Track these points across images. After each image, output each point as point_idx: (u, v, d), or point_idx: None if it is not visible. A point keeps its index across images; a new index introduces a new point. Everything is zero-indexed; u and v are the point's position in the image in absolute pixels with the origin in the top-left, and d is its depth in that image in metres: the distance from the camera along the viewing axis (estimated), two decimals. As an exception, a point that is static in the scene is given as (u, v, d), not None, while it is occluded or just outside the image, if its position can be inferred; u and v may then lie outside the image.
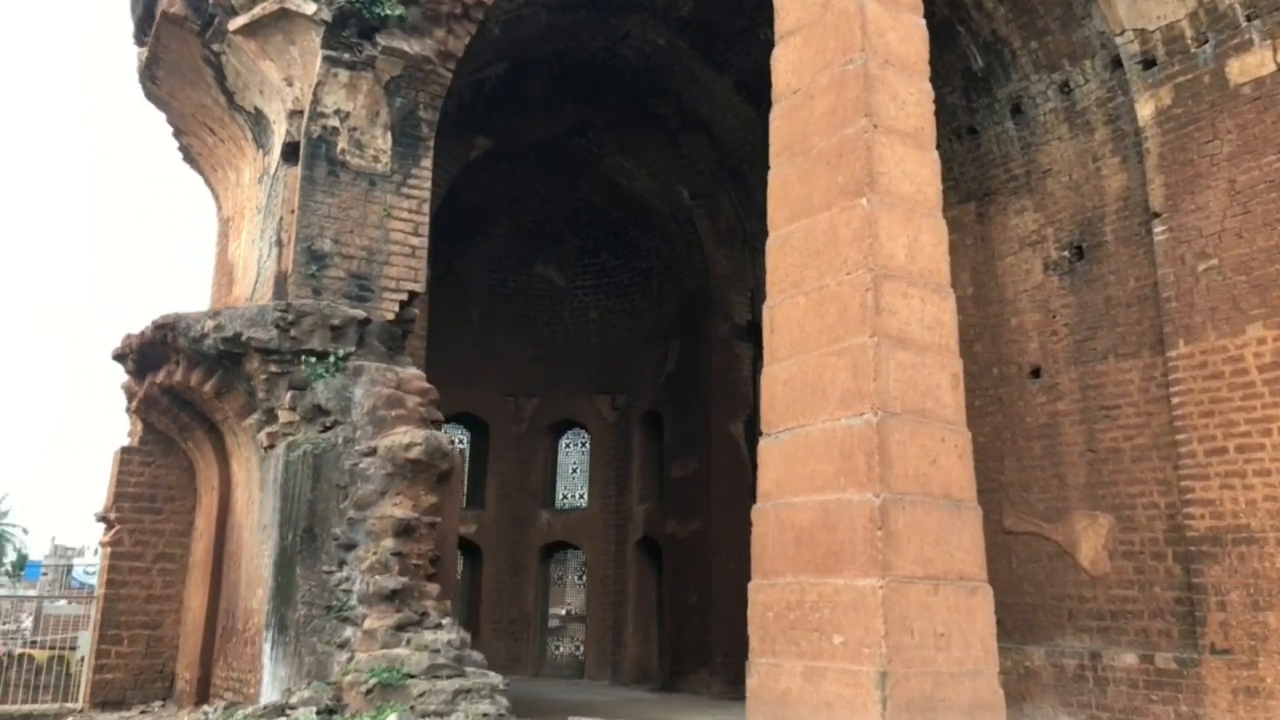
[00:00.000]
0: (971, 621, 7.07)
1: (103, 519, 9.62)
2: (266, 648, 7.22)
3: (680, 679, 13.52)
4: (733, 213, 14.03)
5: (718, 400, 13.62)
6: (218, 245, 11.05)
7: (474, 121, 12.53)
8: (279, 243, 8.63)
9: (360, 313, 8.20)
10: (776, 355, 8.35)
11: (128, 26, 10.11)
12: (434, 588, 7.14)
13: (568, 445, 16.43)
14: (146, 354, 8.81)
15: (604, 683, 14.83)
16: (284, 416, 7.95)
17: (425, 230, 9.06)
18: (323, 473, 7.43)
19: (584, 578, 16.03)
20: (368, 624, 6.66)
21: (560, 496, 16.27)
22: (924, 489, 7.15)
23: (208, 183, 11.35)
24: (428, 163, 9.18)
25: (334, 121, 8.66)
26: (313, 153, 8.59)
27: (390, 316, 8.68)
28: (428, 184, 9.15)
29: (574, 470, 16.33)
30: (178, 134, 10.75)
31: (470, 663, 6.65)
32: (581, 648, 15.80)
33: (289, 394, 7.91)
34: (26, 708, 9.32)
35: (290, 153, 8.79)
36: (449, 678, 6.24)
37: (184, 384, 8.56)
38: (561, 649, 16.09)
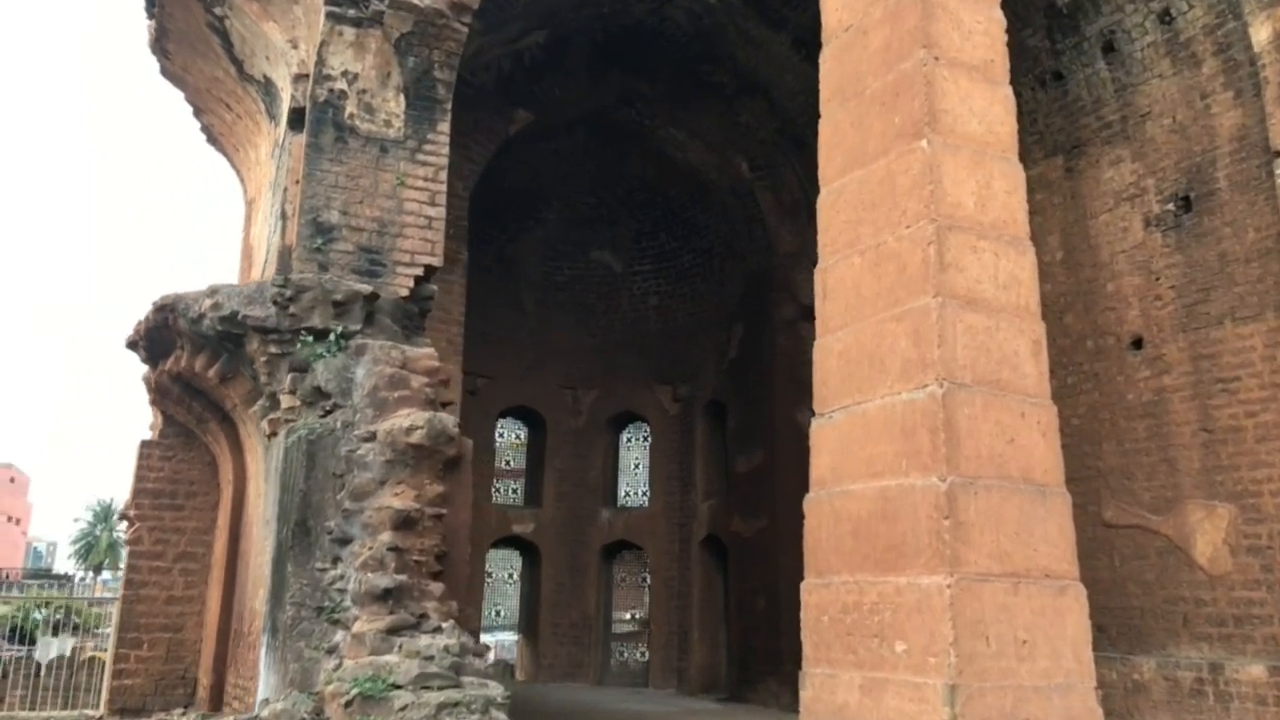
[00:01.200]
0: (1060, 626, 5.97)
1: (123, 516, 9.19)
2: (262, 652, 6.57)
3: (748, 688, 12.54)
4: (796, 184, 12.99)
5: (782, 387, 12.59)
6: (242, 231, 10.58)
7: (513, 94, 11.82)
8: (283, 216, 8.03)
9: (366, 287, 7.50)
10: (829, 324, 7.35)
11: (129, 25, 9.78)
12: (437, 587, 6.37)
13: (629, 439, 15.60)
14: (154, 340, 8.30)
15: (669, 691, 13.94)
16: (285, 401, 7.30)
17: (442, 200, 8.33)
18: (318, 460, 6.75)
19: (648, 580, 15.17)
20: (357, 627, 5.93)
21: (622, 494, 15.45)
22: (1000, 472, 6.07)
23: (232, 164, 10.91)
24: (445, 127, 8.45)
25: (341, 84, 8.01)
26: (319, 118, 7.94)
27: (404, 293, 7.96)
28: (445, 150, 8.42)
29: (635, 465, 15.49)
30: (197, 113, 10.31)
31: (471, 671, 5.86)
32: (647, 654, 14.93)
33: (289, 377, 7.26)
34: (44, 713, 8.93)
35: (296, 120, 8.19)
36: (440, 688, 5.45)
37: (189, 370, 8.03)
38: (626, 655, 15.25)
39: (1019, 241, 6.78)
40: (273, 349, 7.33)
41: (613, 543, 14.92)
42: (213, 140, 10.67)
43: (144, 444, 9.22)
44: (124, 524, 9.28)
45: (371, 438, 6.70)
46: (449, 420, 6.77)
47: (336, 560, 6.42)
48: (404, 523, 6.41)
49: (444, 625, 6.12)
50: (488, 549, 14.51)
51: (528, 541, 14.63)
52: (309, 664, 6.02)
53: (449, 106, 8.54)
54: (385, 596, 6.05)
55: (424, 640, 5.89)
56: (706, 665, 13.73)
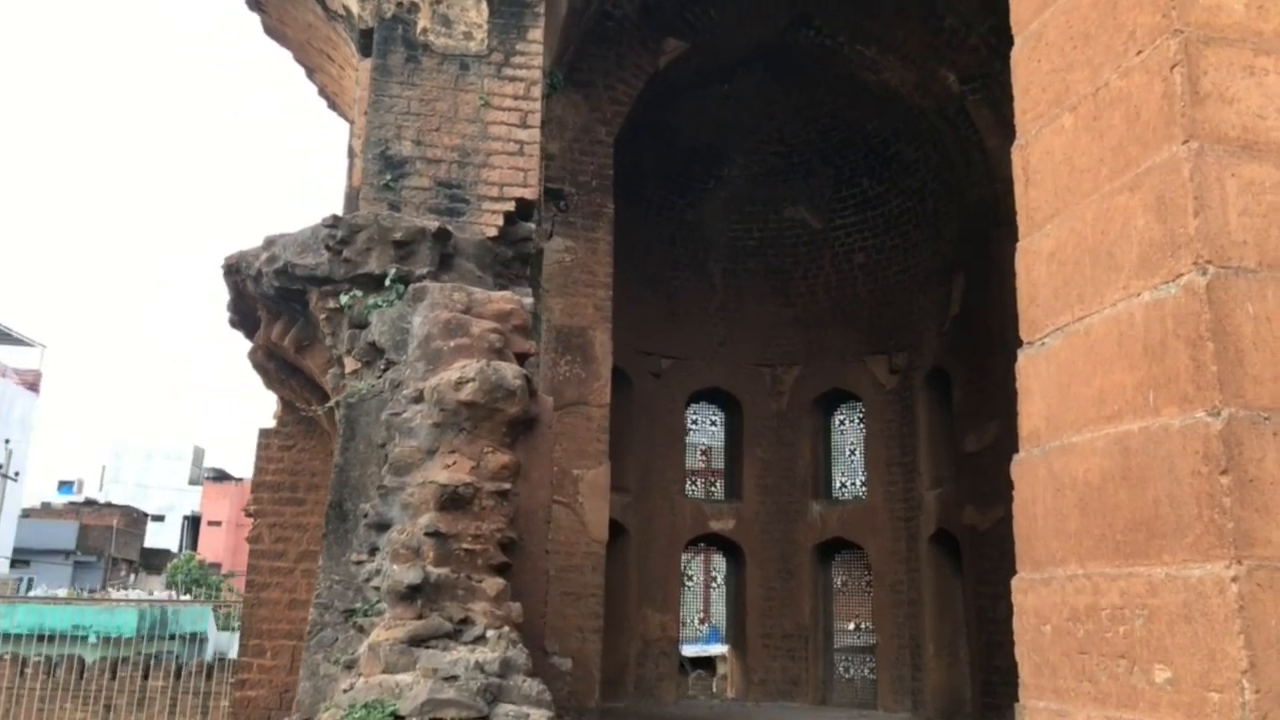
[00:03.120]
0: None
1: (246, 513, 8.48)
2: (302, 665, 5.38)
3: (996, 714, 10.10)
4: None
5: (1017, 341, 10.07)
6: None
7: (661, 22, 10.27)
8: (350, 154, 6.93)
9: (432, 223, 6.19)
10: (1035, 218, 5.08)
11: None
12: (494, 584, 4.86)
13: (841, 422, 13.49)
14: (239, 311, 7.47)
15: (902, 715, 11.70)
16: (349, 365, 6.12)
17: (536, 121, 6.90)
18: (359, 429, 5.48)
19: (872, 584, 12.97)
20: (374, 635, 4.54)
21: (837, 485, 13.36)
22: (1311, 397, 3.68)
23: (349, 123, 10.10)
24: (537, 34, 7.04)
25: (411, -6, 6.82)
26: (386, 36, 6.80)
27: (491, 232, 6.60)
28: (538, 61, 7.00)
29: (850, 451, 13.35)
30: (309, 74, 9.57)
31: (514, 697, 4.29)
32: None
33: (348, 334, 6.09)
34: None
35: (365, 44, 7.08)
36: (453, 722, 3.93)
37: (266, 340, 7.10)
38: (852, 672, 13.11)
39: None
40: (330, 303, 6.18)
41: (827, 541, 12.87)
42: (330, 103, 9.94)
43: (263, 433, 8.47)
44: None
45: (420, 398, 5.34)
46: (508, 370, 5.26)
47: (374, 551, 5.09)
48: (451, 501, 4.97)
49: (490, 634, 4.59)
50: (683, 548, 12.95)
51: (728, 539, 12.92)
52: (323, 683, 4.71)
53: (540, 11, 7.11)
54: (412, 595, 4.61)
55: (450, 655, 4.39)
56: (945, 686, 11.37)
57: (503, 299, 5.87)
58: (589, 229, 9.53)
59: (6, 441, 25.40)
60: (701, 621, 19.61)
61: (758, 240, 13.47)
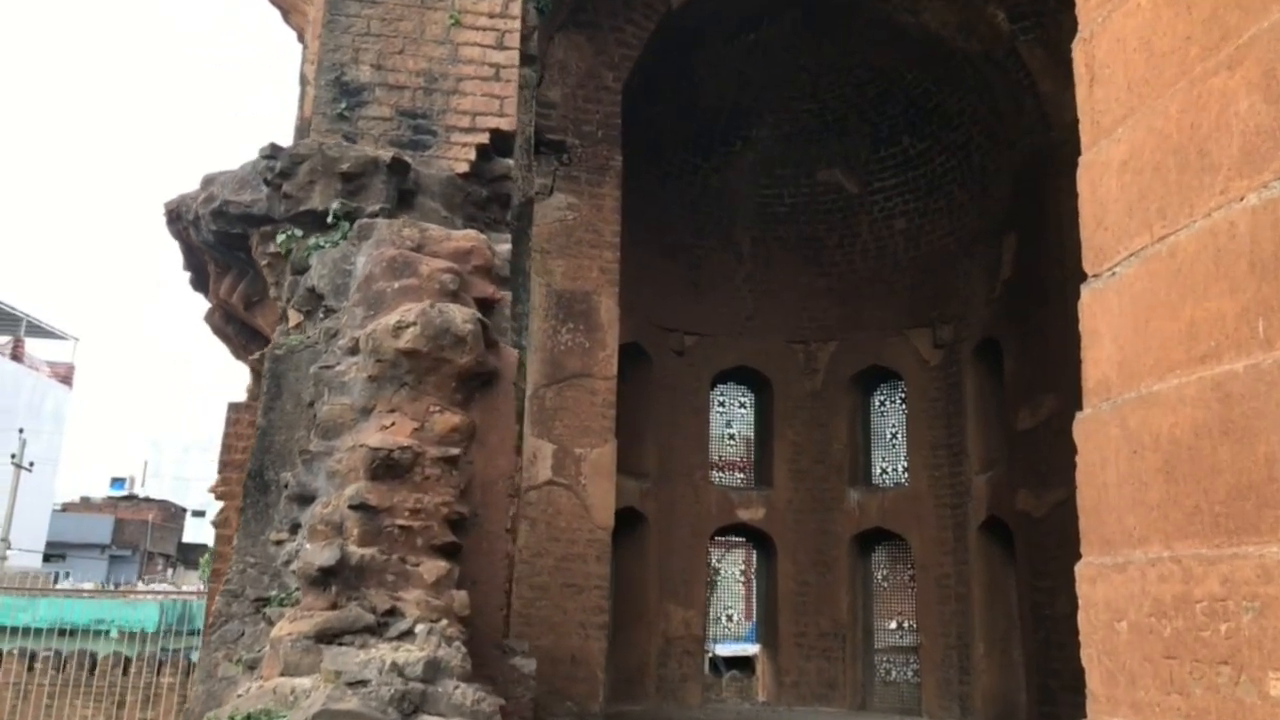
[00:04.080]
0: None
1: (216, 496, 7.73)
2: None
3: (1055, 725, 9.02)
4: (1076, 28, 9.35)
5: (1076, 302, 8.99)
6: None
7: (674, -45, 9.34)
8: (302, 81, 6.10)
9: (385, 153, 5.33)
10: (1102, 123, 4.05)
11: None
12: (434, 568, 3.97)
13: (881, 402, 12.44)
14: (195, 268, 6.70)
15: (950, 723, 10.65)
16: (292, 318, 5.30)
17: (515, 41, 6.01)
18: (286, 385, 4.64)
19: (914, 578, 11.90)
20: (277, 629, 3.68)
21: (877, 470, 12.31)
22: None
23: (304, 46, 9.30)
24: (516, -59, 6.16)
25: (371, -103, 5.96)
26: (343, -54, 5.96)
27: (462, 168, 5.73)
28: (518, -28, 6.13)
29: (892, 434, 12.29)
30: (285, 16, 8.78)
31: (441, 706, 3.41)
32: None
33: (289, 281, 5.27)
34: None
35: (322, -43, 6.25)
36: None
37: (217, 298, 6.31)
38: (895, 674, 12.05)
39: None
40: (272, 247, 5.36)
41: (866, 531, 11.83)
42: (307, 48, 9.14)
43: (232, 407, 7.71)
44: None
45: (356, 349, 4.48)
46: (457, 313, 4.37)
47: (296, 528, 4.24)
48: (385, 468, 4.09)
49: (421, 629, 3.71)
50: (709, 539, 12.00)
51: (758, 529, 11.94)
52: (220, 687, 3.86)
53: (521, -88, 6.24)
54: (325, 580, 3.74)
55: (370, 653, 3.52)
56: (996, 690, 10.29)
57: (463, 236, 4.98)
58: (594, 184, 8.64)
59: (20, 431, 25.27)
60: (745, 618, 18.63)
61: (789, 206, 12.46)
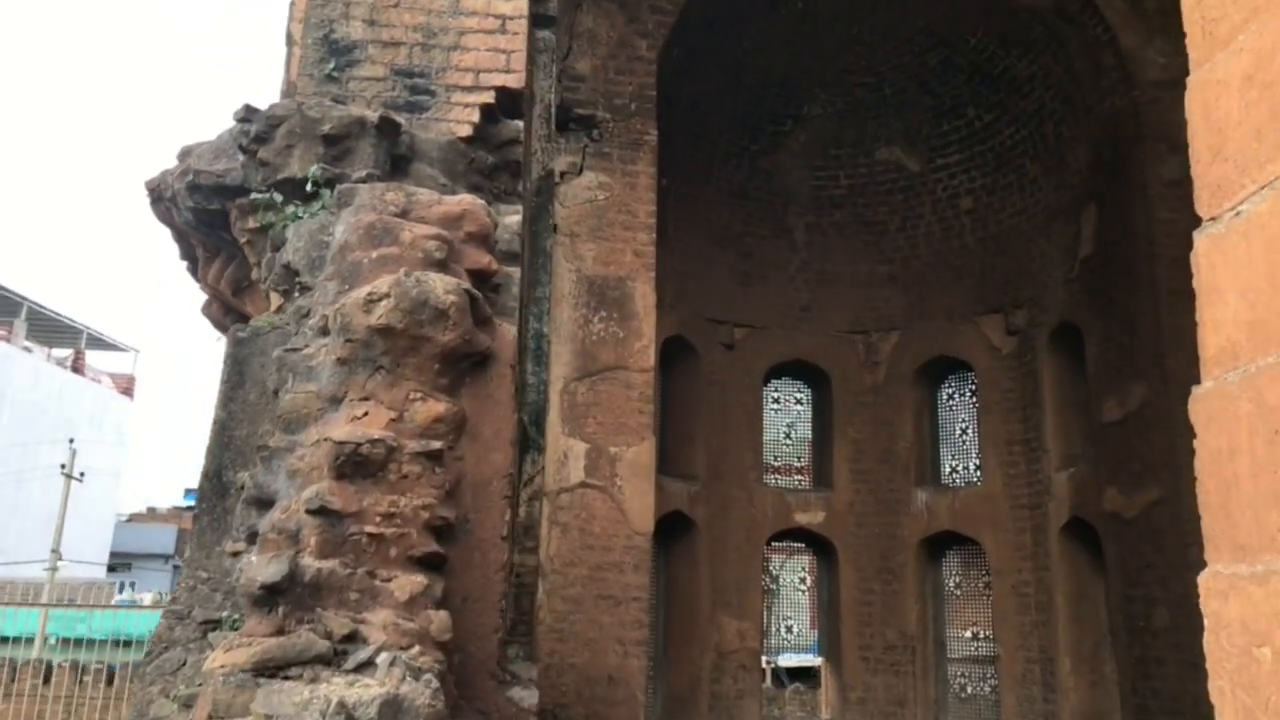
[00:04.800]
0: None
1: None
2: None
3: (1154, 751, 8.06)
4: (1162, -27, 8.41)
5: (1167, 280, 8.04)
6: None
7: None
8: (289, 40, 5.54)
9: (373, 113, 4.73)
10: (1216, 33, 3.21)
11: None
12: (408, 584, 3.32)
13: (950, 395, 11.53)
14: (189, 255, 6.19)
15: (1033, 745, 9.70)
16: (274, 300, 4.74)
17: (523, -12, 5.39)
18: (249, 372, 4.06)
19: (991, 586, 10.95)
20: (211, 659, 3.06)
21: (946, 469, 11.40)
22: None
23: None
24: (524, -121, 5.53)
25: None
26: (332, -109, 5.40)
27: (465, 131, 5.11)
28: (524, -87, 5.49)
29: (962, 429, 11.37)
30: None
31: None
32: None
33: (267, 258, 4.69)
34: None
35: (312, -94, 5.69)
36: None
37: (206, 284, 5.78)
38: (971, 689, 11.11)
39: None
40: (251, 221, 4.79)
41: (935, 535, 10.92)
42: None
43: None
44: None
45: (323, 329, 3.86)
46: (438, 283, 3.73)
47: (254, 537, 3.64)
48: (353, 466, 3.46)
49: (383, 658, 3.05)
50: (765, 545, 11.22)
51: (816, 534, 11.12)
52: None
53: None
54: (269, 601, 3.11)
55: (317, 689, 2.88)
56: (1086, 710, 9.32)
57: (455, 201, 4.33)
58: (627, 161, 7.96)
59: (71, 442, 25.51)
60: (810, 628, 17.77)
61: (845, 188, 11.63)
